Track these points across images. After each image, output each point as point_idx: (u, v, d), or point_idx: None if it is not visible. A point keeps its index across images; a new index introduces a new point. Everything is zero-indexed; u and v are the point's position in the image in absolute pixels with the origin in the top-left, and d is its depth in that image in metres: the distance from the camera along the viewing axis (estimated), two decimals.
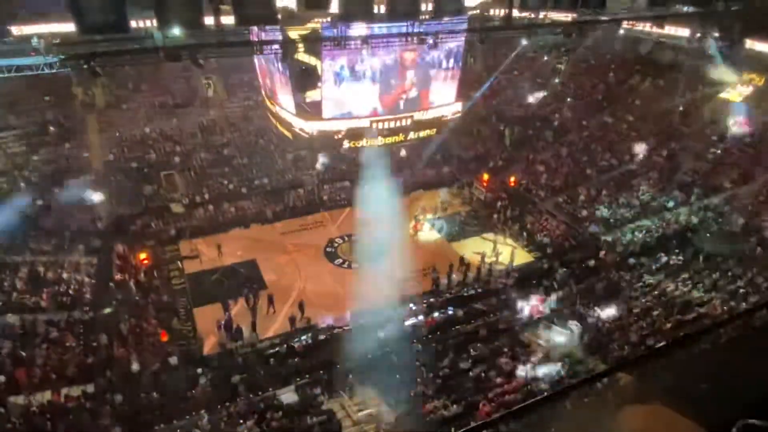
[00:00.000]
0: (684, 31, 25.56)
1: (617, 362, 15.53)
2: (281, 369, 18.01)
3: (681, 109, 29.18)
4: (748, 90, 27.71)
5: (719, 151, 26.29)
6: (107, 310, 19.58)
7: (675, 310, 18.70)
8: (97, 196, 25.01)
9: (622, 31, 26.74)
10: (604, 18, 18.91)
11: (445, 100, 19.38)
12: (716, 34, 23.93)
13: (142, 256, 22.64)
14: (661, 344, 14.50)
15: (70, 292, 20.08)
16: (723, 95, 28.27)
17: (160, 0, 10.40)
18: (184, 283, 23.06)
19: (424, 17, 15.61)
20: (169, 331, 19.33)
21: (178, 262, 24.43)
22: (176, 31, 10.41)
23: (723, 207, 23.35)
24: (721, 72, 26.96)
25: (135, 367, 17.08)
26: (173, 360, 17.77)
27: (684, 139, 27.76)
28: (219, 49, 13.94)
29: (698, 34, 24.24)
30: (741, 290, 18.75)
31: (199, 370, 17.44)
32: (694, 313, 18.30)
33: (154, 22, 11.03)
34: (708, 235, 22.32)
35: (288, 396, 16.74)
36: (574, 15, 18.57)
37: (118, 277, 21.87)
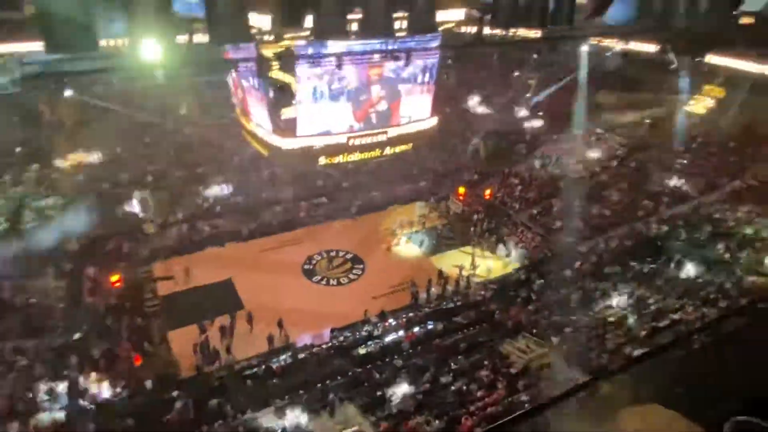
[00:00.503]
0: (650, 47, 26.42)
1: (604, 370, 15.70)
2: (260, 390, 17.66)
3: (648, 121, 30.12)
4: (710, 102, 28.81)
5: (685, 161, 27.15)
6: (78, 335, 18.95)
7: (650, 318, 19.07)
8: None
9: (585, 48, 27.59)
10: (572, 34, 19.42)
11: (420, 115, 19.57)
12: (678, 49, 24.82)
13: (114, 278, 22.01)
14: (650, 348, 14.75)
15: (39, 317, 19.39)
16: (687, 108, 29.30)
17: (132, 19, 10.27)
18: (158, 305, 22.50)
19: (398, 34, 15.78)
20: (143, 355, 18.80)
21: (152, 284, 23.86)
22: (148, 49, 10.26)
23: (691, 215, 24.03)
24: (684, 85, 28.01)
25: (108, 393, 16.52)
26: (148, 384, 17.27)
27: (652, 149, 28.60)
28: (193, 67, 13.84)
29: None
30: (711, 296, 19.25)
31: (175, 394, 16.96)
32: (667, 320, 18.68)
33: (126, 40, 10.87)
34: (678, 242, 22.92)
35: (268, 418, 16.40)
36: (543, 31, 19.06)
37: (89, 300, 21.22)
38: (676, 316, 18.79)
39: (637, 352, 16.54)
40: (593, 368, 17.12)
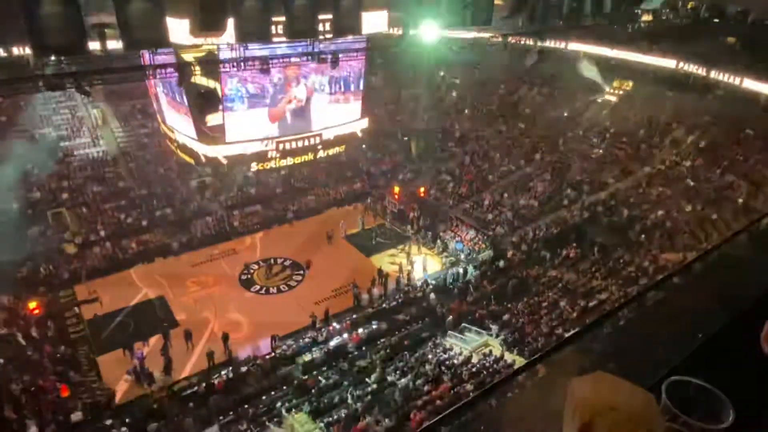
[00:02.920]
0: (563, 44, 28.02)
1: (541, 351, 16.38)
2: (202, 409, 16.99)
3: (565, 114, 31.88)
4: (620, 93, 30.98)
5: (601, 151, 28.99)
6: None
7: (579, 299, 20.21)
8: None
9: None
10: (492, 33, 20.25)
11: (351, 117, 19.63)
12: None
13: (32, 305, 20.42)
14: (580, 327, 15.57)
15: None
16: (600, 100, 31.34)
17: (35, 25, 9.55)
18: (84, 330, 21.08)
19: (323, 37, 15.74)
20: (71, 385, 17.55)
21: (75, 308, 22.29)
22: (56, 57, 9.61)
23: (609, 201, 25.66)
24: (596, 79, 29.92)
25: (33, 430, 15.25)
26: (76, 416, 16.13)
27: (570, 141, 30.29)
28: (107, 75, 13.08)
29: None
30: (632, 274, 20.69)
31: (109, 422, 15.99)
32: (595, 301, 19.87)
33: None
34: (599, 227, 24.42)
35: None
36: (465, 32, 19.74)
37: (3, 331, 19.47)
38: (602, 296, 20.03)
39: (569, 334, 17.45)
40: (531, 351, 17.92)
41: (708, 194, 23.36)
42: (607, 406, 1.01)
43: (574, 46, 27.29)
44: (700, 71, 24.77)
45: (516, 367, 16.59)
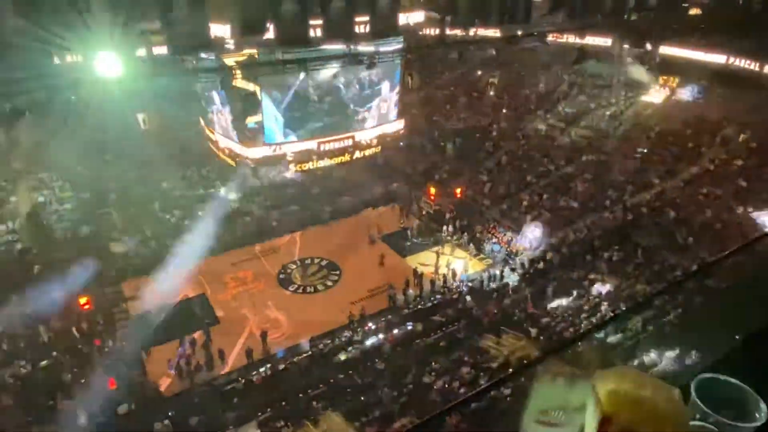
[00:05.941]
0: (604, 40, 27.30)
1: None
2: (241, 404, 17.39)
3: (608, 113, 30.97)
4: (665, 92, 29.86)
5: (645, 150, 28.00)
6: (46, 362, 18.29)
7: (621, 303, 19.59)
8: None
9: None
10: (529, 32, 19.90)
11: (387, 118, 19.73)
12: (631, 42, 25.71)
13: (82, 300, 21.36)
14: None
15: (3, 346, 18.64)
16: (644, 98, 30.30)
17: (85, 35, 10.06)
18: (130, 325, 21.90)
19: (360, 39, 15.87)
20: (118, 378, 18.28)
21: (122, 304, 23.21)
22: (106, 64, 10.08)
23: (654, 202, 24.75)
24: (639, 76, 28.96)
25: (82, 420, 15.98)
26: (122, 408, 16.80)
27: (613, 140, 29.39)
28: (154, 80, 13.60)
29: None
30: (678, 279, 19.90)
31: (154, 415, 16.56)
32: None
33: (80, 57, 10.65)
34: (643, 229, 23.58)
35: None
36: (502, 30, 19.50)
37: (57, 325, 20.49)
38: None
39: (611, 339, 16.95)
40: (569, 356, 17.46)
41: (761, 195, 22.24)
42: (630, 399, 1.00)
43: (616, 42, 26.52)
44: (753, 66, 23.62)
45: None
